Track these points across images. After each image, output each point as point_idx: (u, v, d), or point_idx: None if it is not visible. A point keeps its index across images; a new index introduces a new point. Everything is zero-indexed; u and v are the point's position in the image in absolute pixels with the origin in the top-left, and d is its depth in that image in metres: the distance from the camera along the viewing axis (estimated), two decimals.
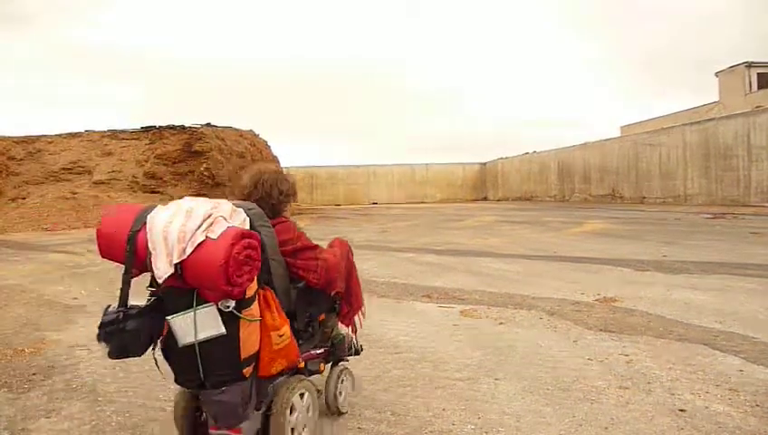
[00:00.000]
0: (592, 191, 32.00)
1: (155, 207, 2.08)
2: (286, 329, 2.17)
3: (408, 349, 3.97)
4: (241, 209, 2.13)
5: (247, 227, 2.09)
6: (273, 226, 2.32)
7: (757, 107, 22.95)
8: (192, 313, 1.95)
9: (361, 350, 3.18)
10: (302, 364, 2.50)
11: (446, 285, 6.48)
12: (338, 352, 2.91)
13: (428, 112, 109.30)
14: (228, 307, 1.94)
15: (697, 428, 2.57)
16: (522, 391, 3.09)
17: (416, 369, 3.52)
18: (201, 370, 2.00)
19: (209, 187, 22.24)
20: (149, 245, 1.95)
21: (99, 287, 7.01)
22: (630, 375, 3.29)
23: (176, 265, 1.89)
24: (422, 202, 43.67)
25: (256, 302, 2.04)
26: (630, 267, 7.38)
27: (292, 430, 2.28)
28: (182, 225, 1.92)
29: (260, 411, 2.24)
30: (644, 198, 27.06)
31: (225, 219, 1.99)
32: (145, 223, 2.00)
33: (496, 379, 3.30)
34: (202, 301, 1.95)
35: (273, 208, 2.49)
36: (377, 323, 4.80)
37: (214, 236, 1.90)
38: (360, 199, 45.27)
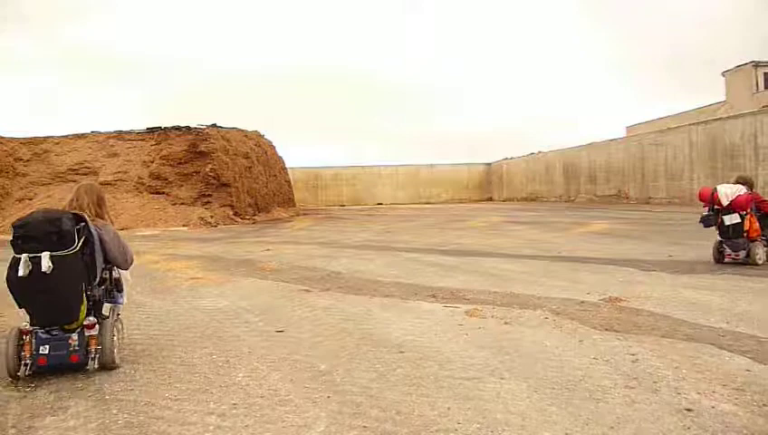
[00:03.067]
0: (598, 191, 31.90)
1: (720, 185, 7.66)
2: (755, 224, 7.14)
3: (413, 348, 3.96)
4: (744, 187, 7.24)
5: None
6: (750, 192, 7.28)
7: (764, 106, 22.82)
8: (730, 214, 7.20)
9: None
10: (759, 239, 7.31)
11: (451, 285, 6.47)
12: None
13: (433, 112, 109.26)
14: (744, 214, 7.16)
15: (704, 427, 2.55)
16: (527, 391, 3.08)
17: (421, 368, 3.52)
18: (731, 232, 7.23)
19: (214, 187, 22.29)
20: (720, 197, 7.26)
21: None
22: (636, 374, 3.28)
23: (729, 202, 7.17)
24: (427, 203, 43.64)
25: (748, 215, 7.10)
26: (636, 267, 7.36)
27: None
28: (730, 190, 7.28)
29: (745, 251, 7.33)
30: (650, 198, 26.94)
31: (742, 191, 7.20)
32: (716, 190, 7.39)
33: (502, 378, 3.30)
34: (735, 213, 7.18)
35: (749, 188, 7.29)
36: (382, 322, 4.80)
37: (741, 193, 7.15)
38: (364, 200, 45.28)
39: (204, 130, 23.13)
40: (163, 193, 22.37)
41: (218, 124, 24.08)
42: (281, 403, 3.01)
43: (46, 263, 3.29)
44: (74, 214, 3.62)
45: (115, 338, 3.76)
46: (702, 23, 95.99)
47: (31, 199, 22.09)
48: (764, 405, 2.79)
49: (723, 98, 32.79)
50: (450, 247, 10.72)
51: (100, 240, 3.74)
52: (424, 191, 46.72)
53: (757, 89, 30.32)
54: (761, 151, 20.64)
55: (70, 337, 3.53)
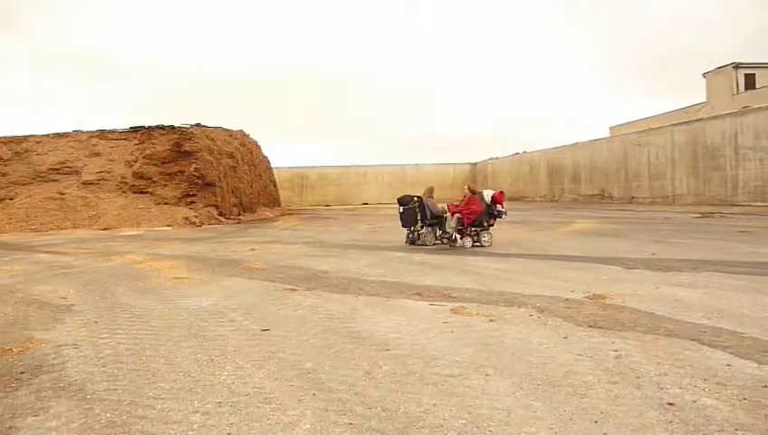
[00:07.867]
0: (582, 191, 32.18)
1: None
2: None
3: (398, 346, 3.97)
4: None
5: None
6: None
7: (744, 107, 23.17)
8: None
9: None
10: None
11: (436, 284, 6.49)
12: None
13: (421, 113, 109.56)
14: None
15: (686, 421, 2.59)
16: (512, 387, 3.10)
17: (406, 365, 3.52)
18: None
19: (199, 187, 22.11)
20: None
21: (86, 287, 6.95)
22: (620, 370, 3.31)
23: None
24: None
25: None
26: (620, 265, 7.43)
27: None
28: None
29: None
30: (633, 197, 27.24)
31: None
32: None
33: (487, 375, 3.31)
34: None
35: None
36: (367, 320, 4.80)
37: None
38: (350, 200, 45.23)
39: (188, 129, 22.94)
40: (147, 193, 22.15)
41: (202, 123, 23.91)
42: (266, 401, 2.99)
43: (402, 209, 11.15)
44: (417, 196, 11.08)
45: (433, 236, 10.91)
46: (685, 25, 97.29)
47: (12, 199, 21.75)
48: (745, 399, 2.83)
49: (704, 99, 33.23)
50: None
51: (427, 205, 10.72)
52: (410, 191, 46.64)
53: (737, 90, 30.77)
54: (741, 151, 20.97)
55: (417, 231, 10.98)
